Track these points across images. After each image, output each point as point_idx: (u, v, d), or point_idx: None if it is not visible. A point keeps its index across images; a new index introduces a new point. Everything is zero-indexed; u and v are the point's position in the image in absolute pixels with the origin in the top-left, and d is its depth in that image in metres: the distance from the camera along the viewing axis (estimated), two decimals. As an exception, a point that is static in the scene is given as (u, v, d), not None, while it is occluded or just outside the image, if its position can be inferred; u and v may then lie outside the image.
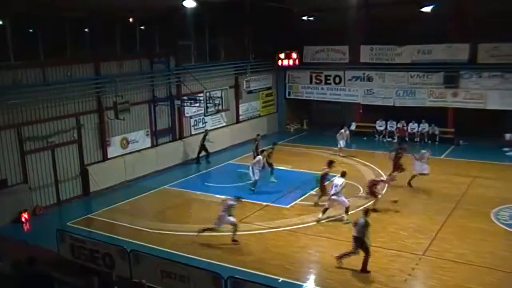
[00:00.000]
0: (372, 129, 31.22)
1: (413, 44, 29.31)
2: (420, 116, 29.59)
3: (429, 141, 29.11)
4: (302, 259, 14.79)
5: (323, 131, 31.57)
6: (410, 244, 15.43)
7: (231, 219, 15.52)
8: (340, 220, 17.34)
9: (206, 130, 26.67)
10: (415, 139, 29.34)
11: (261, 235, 16.49)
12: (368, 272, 13.51)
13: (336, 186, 17.37)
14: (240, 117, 30.73)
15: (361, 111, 31.89)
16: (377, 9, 29.34)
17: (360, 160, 25.27)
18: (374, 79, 30.96)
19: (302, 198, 19.88)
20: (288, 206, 19.08)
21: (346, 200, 17.47)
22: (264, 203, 19.31)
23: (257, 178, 20.43)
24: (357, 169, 23.60)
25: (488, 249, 14.95)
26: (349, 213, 17.22)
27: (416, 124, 29.93)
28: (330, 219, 17.43)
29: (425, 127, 29.52)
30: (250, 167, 20.65)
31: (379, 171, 22.55)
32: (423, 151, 21.23)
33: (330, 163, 19.00)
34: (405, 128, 29.87)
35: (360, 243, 13.55)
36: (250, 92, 31.39)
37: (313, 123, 34.39)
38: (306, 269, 14.40)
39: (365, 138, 30.51)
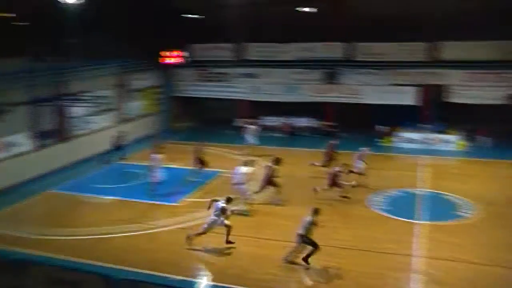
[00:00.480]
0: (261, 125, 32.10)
1: (296, 42, 30.72)
2: (304, 111, 31.08)
3: (313, 135, 30.66)
4: (195, 255, 14.96)
5: (215, 128, 31.99)
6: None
7: (225, 221, 15.06)
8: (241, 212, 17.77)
9: (120, 131, 26.10)
10: (299, 133, 30.69)
11: (153, 234, 16.47)
12: (308, 264, 13.95)
13: (238, 174, 17.91)
14: (127, 117, 30.30)
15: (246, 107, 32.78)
16: (261, 7, 30.09)
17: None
18: (260, 76, 32.00)
19: (191, 194, 20.11)
20: (178, 204, 19.22)
21: (247, 192, 18.02)
22: (155, 202, 19.29)
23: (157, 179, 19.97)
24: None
25: (367, 233, 16.21)
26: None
27: (300, 119, 31.34)
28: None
29: (307, 121, 31.05)
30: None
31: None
32: (363, 148, 22.03)
33: (278, 161, 19.29)
34: (290, 123, 31.08)
35: (304, 240, 13.97)
36: (135, 91, 31.02)
37: (203, 120, 34.60)
38: (200, 266, 14.61)
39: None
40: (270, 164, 19.22)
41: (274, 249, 14.92)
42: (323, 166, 22.12)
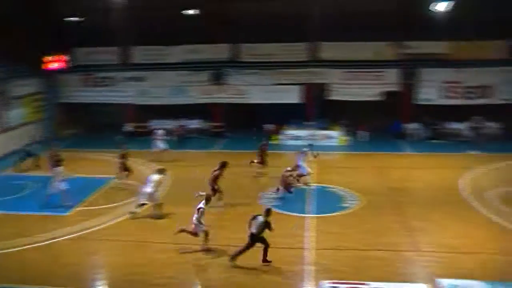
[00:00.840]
0: (149, 129, 31.80)
1: (182, 44, 30.87)
2: (193, 113, 31.32)
3: (201, 137, 31.00)
4: (91, 265, 14.72)
5: (102, 134, 31.26)
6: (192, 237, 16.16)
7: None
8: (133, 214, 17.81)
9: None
10: (189, 136, 30.92)
11: (45, 247, 15.83)
12: (270, 261, 14.20)
13: (150, 182, 17.79)
14: (7, 125, 28.64)
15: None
16: (146, 10, 29.88)
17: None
18: (147, 79, 31.77)
19: (82, 203, 19.62)
20: (68, 214, 18.61)
21: (157, 198, 17.99)
22: (43, 214, 18.55)
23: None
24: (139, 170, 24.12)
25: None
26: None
27: (190, 121, 31.56)
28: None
29: (197, 123, 31.34)
30: None
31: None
32: (305, 149, 22.36)
33: (223, 165, 19.26)
34: (183, 126, 31.15)
35: (256, 239, 14.19)
36: (16, 98, 29.45)
37: (90, 126, 33.73)
38: (96, 275, 14.35)
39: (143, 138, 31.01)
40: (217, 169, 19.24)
41: (171, 253, 15.04)
42: (258, 163, 22.91)
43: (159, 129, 27.17)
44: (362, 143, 29.61)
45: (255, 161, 23.24)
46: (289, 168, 20.41)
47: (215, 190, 18.87)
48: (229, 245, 15.17)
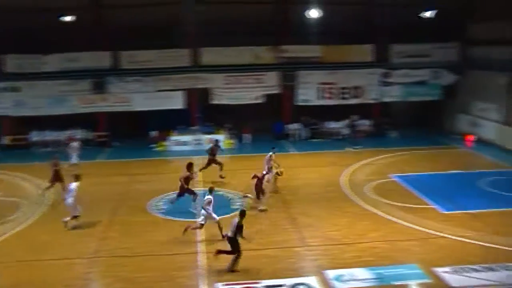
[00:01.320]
0: (28, 141, 30.44)
1: (59, 52, 29.66)
2: (77, 122, 30.27)
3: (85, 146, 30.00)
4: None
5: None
6: (80, 248, 15.95)
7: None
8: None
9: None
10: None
11: None
12: (237, 271, 14.15)
13: (71, 191, 17.28)
14: None
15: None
16: (18, 17, 28.39)
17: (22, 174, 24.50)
18: (23, 90, 30.10)
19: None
20: None
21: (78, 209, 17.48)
22: None
23: None
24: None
25: (151, 238, 16.76)
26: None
27: (75, 131, 30.31)
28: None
29: (78, 132, 30.26)
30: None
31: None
32: (271, 152, 21.98)
33: (189, 166, 19.43)
34: (71, 136, 29.80)
35: (232, 242, 14.19)
36: None
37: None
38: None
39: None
40: None
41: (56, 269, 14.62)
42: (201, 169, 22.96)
43: (75, 141, 26.20)
44: (247, 146, 30.38)
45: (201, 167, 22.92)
46: (264, 172, 20.34)
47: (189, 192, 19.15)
48: (114, 256, 14.97)
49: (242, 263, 14.69)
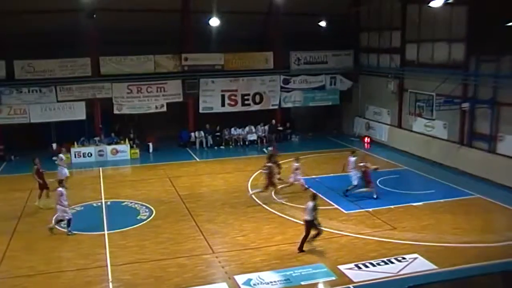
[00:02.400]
0: None
1: None
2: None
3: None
4: None
5: None
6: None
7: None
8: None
9: None
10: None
11: None
12: (304, 251, 15.76)
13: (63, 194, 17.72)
14: None
15: None
16: None
17: None
18: None
19: None
20: None
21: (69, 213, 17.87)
22: None
23: None
24: None
25: (56, 254, 16.28)
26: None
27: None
28: None
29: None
30: None
31: None
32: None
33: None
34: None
35: (311, 225, 15.75)
36: None
37: None
38: None
39: None
40: None
41: None
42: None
43: (59, 153, 24.54)
44: (152, 155, 30.15)
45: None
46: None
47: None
48: (16, 276, 14.45)
49: (150, 274, 14.73)
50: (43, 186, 21.18)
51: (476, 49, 24.26)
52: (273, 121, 33.27)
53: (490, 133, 23.81)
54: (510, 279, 10.27)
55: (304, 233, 16.03)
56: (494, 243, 16.53)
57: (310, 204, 15.99)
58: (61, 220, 18.12)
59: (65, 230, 17.91)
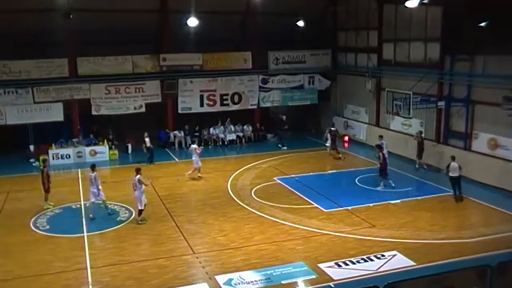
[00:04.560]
0: None
1: None
2: None
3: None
4: None
5: None
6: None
7: None
8: None
9: None
10: None
11: None
12: None
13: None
14: None
15: None
16: None
17: None
18: None
19: None
20: None
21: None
22: None
23: None
24: None
25: (34, 257, 16.08)
26: None
27: None
28: None
29: None
30: None
31: None
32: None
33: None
34: None
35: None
36: None
37: None
38: None
39: None
40: None
41: None
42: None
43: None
44: (131, 156, 30.00)
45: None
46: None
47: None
48: None
49: (130, 275, 14.69)
50: (48, 188, 21.00)
51: (451, 49, 24.69)
52: (284, 116, 33.54)
53: (466, 131, 24.23)
54: (484, 274, 10.50)
55: None
56: (469, 239, 16.91)
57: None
58: None
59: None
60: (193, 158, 25.03)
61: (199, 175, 24.79)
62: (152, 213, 19.83)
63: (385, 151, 23.49)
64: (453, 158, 21.08)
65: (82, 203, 21.25)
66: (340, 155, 28.20)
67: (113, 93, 30.26)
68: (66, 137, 29.68)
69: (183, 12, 27.63)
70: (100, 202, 19.77)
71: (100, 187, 19.62)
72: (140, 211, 18.89)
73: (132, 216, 19.55)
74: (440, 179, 23.28)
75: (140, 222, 18.86)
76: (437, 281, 10.40)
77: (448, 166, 20.99)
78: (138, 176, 18.85)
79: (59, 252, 16.43)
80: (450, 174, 20.85)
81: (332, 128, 28.99)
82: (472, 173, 23.00)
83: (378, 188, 22.38)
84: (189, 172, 24.98)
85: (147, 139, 28.19)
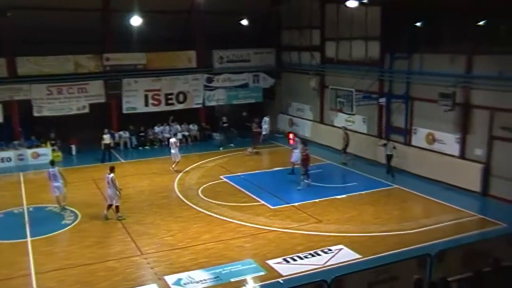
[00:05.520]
0: None
1: None
2: None
3: None
4: None
5: None
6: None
7: None
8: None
9: None
10: None
11: None
12: None
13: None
14: None
15: None
16: None
17: None
18: None
19: None
20: None
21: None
22: None
23: None
24: None
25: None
26: None
27: None
28: None
29: None
30: None
31: None
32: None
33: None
34: None
35: None
36: None
37: None
38: None
39: None
40: None
41: None
42: None
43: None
44: (75, 157, 29.40)
45: None
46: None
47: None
48: None
49: (77, 279, 14.50)
50: None
51: (390, 47, 25.49)
52: (244, 113, 34.30)
53: (405, 127, 25.10)
54: (424, 263, 11.07)
55: None
56: (411, 230, 17.61)
57: None
58: None
59: None
60: (172, 151, 25.69)
61: (174, 168, 25.55)
62: (99, 215, 19.51)
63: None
64: (387, 141, 24.57)
65: (25, 207, 20.71)
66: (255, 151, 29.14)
67: (55, 94, 29.48)
68: (7, 139, 28.75)
69: (126, 11, 27.26)
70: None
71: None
72: (117, 208, 19.09)
73: (78, 219, 19.23)
74: (382, 174, 24.06)
75: (119, 218, 19.03)
76: (382, 272, 10.84)
77: (385, 145, 24.26)
78: (112, 175, 18.92)
79: (2, 258, 15.95)
80: (387, 152, 23.94)
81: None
82: (412, 166, 23.92)
83: (300, 188, 22.53)
84: (173, 166, 25.62)
85: (105, 136, 27.94)
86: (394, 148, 24.20)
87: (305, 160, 22.54)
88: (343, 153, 26.68)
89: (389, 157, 24.11)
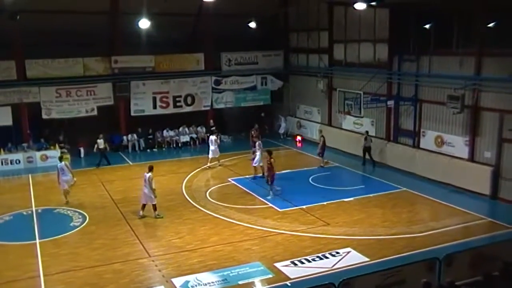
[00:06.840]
0: None
1: None
2: None
3: None
4: None
5: None
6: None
7: None
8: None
9: None
10: None
11: None
12: None
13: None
14: None
15: None
16: None
17: None
18: None
19: None
20: None
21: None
22: None
23: None
24: None
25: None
26: None
27: None
28: None
29: None
30: None
31: None
32: None
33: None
34: None
35: None
36: None
37: None
38: None
39: None
40: None
41: None
42: None
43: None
44: (83, 160, 29.52)
45: None
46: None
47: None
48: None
49: (85, 281, 14.50)
50: None
51: (398, 49, 25.40)
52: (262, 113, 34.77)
53: (414, 129, 24.97)
54: (433, 266, 11.00)
55: None
56: (419, 233, 17.48)
57: None
58: None
59: None
60: (212, 148, 26.43)
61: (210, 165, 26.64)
62: (107, 217, 19.63)
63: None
64: (367, 133, 26.35)
65: (34, 209, 20.81)
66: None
67: (64, 96, 29.65)
68: (16, 142, 28.91)
69: (134, 14, 27.35)
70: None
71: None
72: (154, 206, 19.40)
73: (86, 221, 19.28)
74: (390, 177, 23.96)
75: (157, 216, 19.37)
76: (390, 276, 10.78)
77: (366, 138, 25.99)
78: (150, 174, 19.28)
79: (10, 260, 16.01)
80: (365, 145, 26.01)
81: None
82: (420, 169, 23.79)
83: (269, 197, 21.81)
84: (209, 164, 26.67)
85: (99, 141, 27.86)
86: (371, 141, 26.18)
87: (270, 169, 22.06)
88: (321, 156, 26.60)
89: (367, 149, 25.97)
